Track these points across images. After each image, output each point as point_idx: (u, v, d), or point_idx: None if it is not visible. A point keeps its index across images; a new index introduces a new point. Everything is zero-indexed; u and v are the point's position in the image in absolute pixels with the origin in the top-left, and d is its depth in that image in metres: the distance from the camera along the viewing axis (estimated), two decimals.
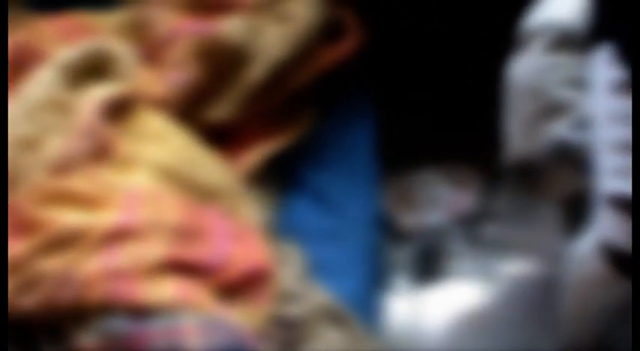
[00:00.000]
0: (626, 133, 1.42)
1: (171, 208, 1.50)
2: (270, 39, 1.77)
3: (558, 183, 1.56)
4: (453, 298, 1.75)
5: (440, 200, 1.91)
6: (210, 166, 1.65)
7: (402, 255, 1.84)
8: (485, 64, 1.71)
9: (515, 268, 1.70)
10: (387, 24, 1.95)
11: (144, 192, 1.52)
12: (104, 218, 1.47)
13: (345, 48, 1.86)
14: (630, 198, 1.38)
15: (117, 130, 1.63)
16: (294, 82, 1.80)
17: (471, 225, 1.86)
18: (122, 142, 1.62)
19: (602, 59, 1.48)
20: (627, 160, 1.41)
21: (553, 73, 1.55)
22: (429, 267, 1.83)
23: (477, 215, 1.83)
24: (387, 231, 1.82)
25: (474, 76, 1.85)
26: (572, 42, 1.55)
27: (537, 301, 1.62)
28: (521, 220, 1.66)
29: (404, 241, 1.86)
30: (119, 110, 1.66)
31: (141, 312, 1.39)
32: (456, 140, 1.94)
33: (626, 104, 1.43)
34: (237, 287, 1.48)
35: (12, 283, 1.37)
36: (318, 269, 1.60)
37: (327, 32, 1.85)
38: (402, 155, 1.93)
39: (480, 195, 1.83)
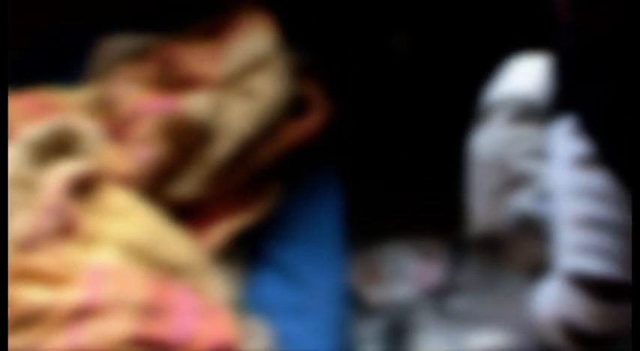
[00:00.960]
0: (586, 208, 1.43)
1: (136, 285, 1.50)
2: (235, 115, 1.78)
3: (523, 254, 1.56)
4: None
5: (407, 273, 1.91)
6: (175, 243, 1.65)
7: (370, 329, 1.83)
8: (449, 137, 1.72)
9: (485, 340, 1.69)
10: (352, 99, 1.97)
11: (109, 269, 1.52)
12: (69, 296, 1.46)
13: (310, 123, 1.87)
14: (589, 275, 1.40)
15: (82, 207, 1.63)
16: (259, 158, 1.80)
17: (438, 298, 1.86)
18: (87, 219, 1.62)
19: (563, 132, 1.50)
20: (587, 236, 1.42)
21: (515, 146, 1.56)
22: (397, 341, 1.83)
23: (445, 288, 1.83)
24: (355, 305, 1.82)
25: (438, 149, 1.86)
26: (534, 114, 1.57)
27: None
28: (489, 292, 1.66)
29: (372, 314, 1.85)
30: (84, 187, 1.66)
31: None
32: (422, 213, 1.94)
33: (586, 179, 1.45)
34: None
35: None
36: (285, 344, 1.60)
37: (292, 107, 1.87)
38: (368, 228, 1.94)
39: (448, 267, 1.83)
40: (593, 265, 1.40)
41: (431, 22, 2.00)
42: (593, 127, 1.44)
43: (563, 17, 1.42)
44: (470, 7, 1.97)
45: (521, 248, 1.56)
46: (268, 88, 1.83)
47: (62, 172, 1.64)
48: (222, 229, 1.74)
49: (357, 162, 1.97)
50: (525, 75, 1.61)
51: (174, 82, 1.85)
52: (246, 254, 1.76)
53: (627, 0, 1.36)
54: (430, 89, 1.99)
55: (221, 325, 1.51)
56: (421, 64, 2.01)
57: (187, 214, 1.75)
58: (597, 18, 1.39)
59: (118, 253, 1.56)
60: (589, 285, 1.40)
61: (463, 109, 1.68)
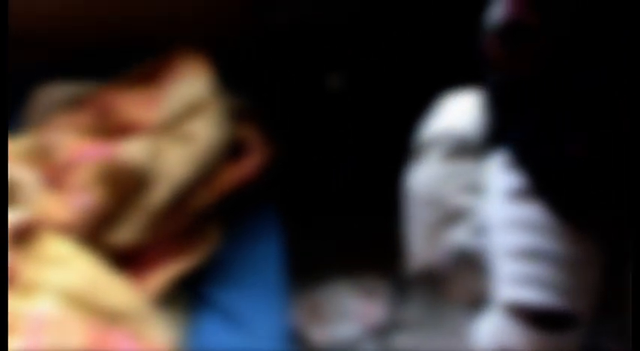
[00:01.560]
0: (522, 239, 1.45)
1: (76, 333, 1.49)
2: (172, 160, 1.78)
3: (463, 288, 1.58)
4: None
5: (350, 312, 1.91)
6: (116, 290, 1.64)
7: None
8: (387, 174, 1.74)
9: None
10: (291, 139, 1.98)
11: (48, 317, 1.51)
12: (9, 345, 1.44)
13: (249, 165, 1.88)
14: (528, 305, 1.41)
15: (21, 256, 1.62)
16: (198, 202, 1.80)
17: (382, 335, 1.86)
18: (27, 268, 1.61)
19: (497, 166, 1.52)
20: (524, 267, 1.44)
21: (450, 181, 1.58)
22: None
23: (388, 325, 1.84)
24: (299, 345, 1.82)
25: (377, 186, 1.87)
26: (468, 150, 1.59)
27: None
28: (433, 328, 1.67)
29: None
30: (23, 236, 1.64)
31: None
32: (363, 251, 1.95)
33: (521, 211, 1.47)
34: None
35: None
36: None
37: (231, 150, 1.88)
38: (310, 268, 1.94)
39: (390, 305, 1.83)
40: (532, 296, 1.42)
41: (365, 61, 2.03)
42: (524, 160, 1.46)
43: (492, 55, 1.45)
44: (403, 45, 2.00)
45: (460, 282, 1.57)
46: (205, 132, 1.84)
47: None
48: (163, 274, 1.74)
49: (298, 202, 1.98)
50: (458, 111, 1.63)
51: (112, 128, 1.85)
52: (188, 298, 1.76)
53: (552, 39, 1.40)
54: (367, 127, 2.01)
55: None
56: (357, 103, 2.03)
57: (127, 261, 1.74)
58: (524, 56, 1.42)
59: (57, 301, 1.55)
60: (528, 315, 1.42)
61: (399, 146, 1.70)
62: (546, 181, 1.45)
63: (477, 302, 1.53)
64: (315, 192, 2.01)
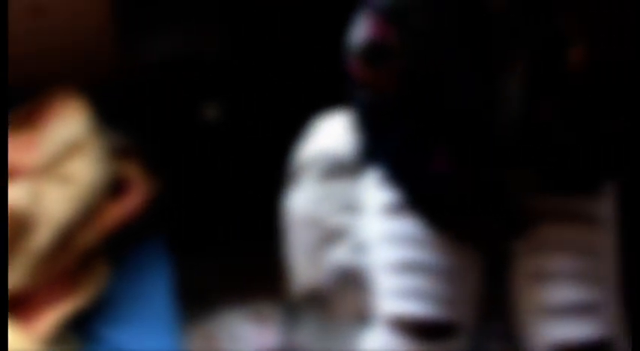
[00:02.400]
0: (399, 254, 1.49)
1: None
2: (53, 202, 1.78)
3: (349, 306, 1.60)
4: None
5: (244, 338, 1.92)
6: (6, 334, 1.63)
7: None
8: (270, 199, 1.77)
9: None
10: (174, 172, 1.99)
11: None
12: None
13: (132, 202, 1.88)
14: (409, 317, 1.45)
15: None
16: (83, 242, 1.80)
17: None
18: None
19: (372, 183, 1.56)
20: (403, 280, 1.47)
21: (328, 201, 1.61)
22: None
23: (282, 349, 1.85)
24: None
25: (262, 212, 1.90)
26: (343, 170, 1.63)
27: None
28: (324, 348, 1.69)
29: None
30: None
31: None
32: (253, 277, 1.97)
33: (396, 225, 1.51)
34: None
35: None
36: None
37: (113, 188, 1.88)
38: (202, 298, 1.95)
39: (282, 328, 1.85)
40: (412, 308, 1.46)
41: (239, 90, 2.05)
42: (395, 176, 1.50)
43: (356, 75, 1.49)
44: (274, 72, 2.03)
45: (345, 301, 1.60)
46: (85, 171, 1.84)
47: None
48: (52, 316, 1.73)
49: (186, 234, 1.99)
50: (331, 133, 1.66)
51: None
52: (78, 338, 1.75)
53: (413, 57, 1.45)
54: (245, 154, 2.03)
55: None
56: (235, 131, 2.05)
57: (16, 305, 1.72)
58: (387, 75, 1.46)
59: None
60: (410, 327, 1.45)
61: (277, 170, 1.72)
62: (417, 196, 1.49)
63: (364, 319, 1.56)
64: (201, 222, 2.02)
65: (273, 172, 1.75)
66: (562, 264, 1.49)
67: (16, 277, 1.74)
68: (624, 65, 1.42)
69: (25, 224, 1.76)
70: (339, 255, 1.58)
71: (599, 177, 1.55)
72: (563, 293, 1.47)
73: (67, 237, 1.77)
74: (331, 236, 1.59)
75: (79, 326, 1.76)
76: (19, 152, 1.88)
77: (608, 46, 1.38)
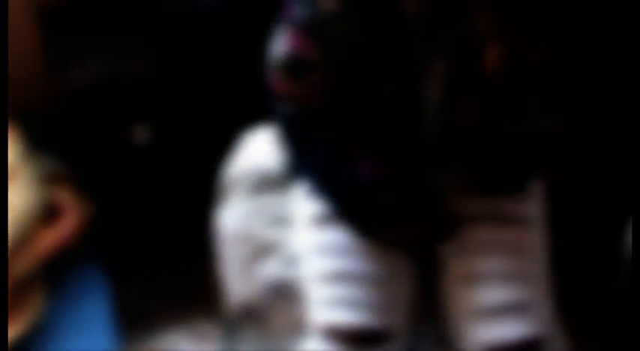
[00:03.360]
0: (330, 264, 1.50)
1: None
2: None
3: (284, 319, 1.61)
4: None
5: None
6: None
7: None
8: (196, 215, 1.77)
9: None
10: (105, 196, 1.99)
11: None
12: None
13: (66, 227, 1.88)
14: (342, 326, 1.46)
15: None
16: (18, 269, 1.79)
17: None
18: None
19: (300, 196, 1.57)
20: (335, 290, 1.48)
21: (258, 216, 1.62)
22: None
23: None
24: None
25: (190, 231, 1.90)
26: (272, 184, 1.64)
27: None
28: None
29: None
30: None
31: None
32: (191, 295, 1.98)
33: (326, 236, 1.53)
34: None
35: None
36: None
37: (46, 214, 1.87)
38: (141, 319, 1.95)
39: (221, 346, 1.85)
40: (344, 317, 1.47)
41: (168, 111, 2.06)
42: (322, 188, 1.51)
43: (278, 89, 1.50)
44: (200, 91, 2.04)
45: (280, 314, 1.61)
46: (18, 199, 1.83)
47: None
48: None
49: (122, 256, 1.99)
50: (258, 148, 1.67)
51: None
52: None
53: (334, 70, 1.46)
54: (176, 173, 2.04)
55: None
56: (165, 151, 2.06)
57: None
58: (309, 88, 1.48)
59: None
60: (343, 336, 1.46)
61: (208, 188, 1.73)
62: (345, 205, 1.51)
63: (300, 331, 1.57)
64: (135, 244, 2.03)
65: (204, 190, 1.75)
66: (492, 265, 1.51)
67: None
68: (542, 65, 1.45)
69: None
70: (271, 269, 1.59)
71: (524, 177, 1.58)
72: (494, 294, 1.49)
73: None
74: (263, 250, 1.60)
75: None
76: None
77: (525, 46, 1.40)
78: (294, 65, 1.47)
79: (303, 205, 1.57)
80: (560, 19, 1.44)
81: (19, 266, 1.80)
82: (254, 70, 1.56)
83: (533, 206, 1.61)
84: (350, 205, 1.50)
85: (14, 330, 1.76)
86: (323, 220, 1.54)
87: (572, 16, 1.61)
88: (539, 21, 1.37)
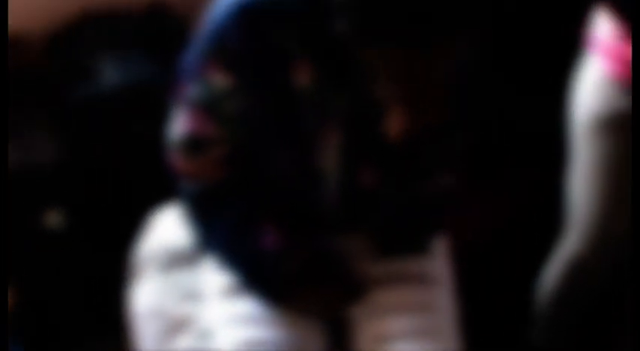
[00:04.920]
0: (243, 334, 1.53)
1: None
2: None
3: None
4: None
5: None
6: None
7: None
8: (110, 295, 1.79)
9: None
10: (23, 282, 1.99)
11: None
12: None
13: None
14: None
15: None
16: None
17: None
18: None
19: (211, 269, 1.60)
20: None
21: (171, 292, 1.63)
22: None
23: None
24: None
25: (104, 311, 1.91)
26: (183, 259, 1.66)
27: None
28: None
29: None
30: None
31: None
32: None
33: (237, 307, 1.55)
34: None
35: None
36: None
37: None
38: None
39: None
40: None
41: (79, 195, 2.08)
42: (229, 259, 1.54)
43: (178, 168, 1.53)
44: (109, 173, 2.07)
45: None
46: None
47: None
48: None
49: (39, 339, 1.99)
50: (167, 225, 1.70)
51: None
52: None
53: (233, 146, 1.50)
54: (90, 256, 2.05)
55: None
56: (78, 235, 2.07)
57: None
58: (209, 165, 1.51)
59: None
60: None
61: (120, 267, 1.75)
62: (251, 276, 1.54)
63: None
64: (52, 326, 2.03)
65: (117, 270, 1.77)
66: (401, 324, 1.54)
67: None
68: (440, 128, 1.48)
69: None
70: (186, 343, 1.60)
71: (427, 236, 1.62)
72: None
73: None
74: (176, 326, 1.61)
75: None
76: None
77: (423, 112, 1.42)
78: (192, 144, 1.50)
79: (213, 278, 1.60)
80: (456, 80, 1.48)
81: None
82: (158, 151, 1.59)
83: (438, 264, 1.66)
84: (257, 275, 1.53)
85: None
86: (234, 291, 1.57)
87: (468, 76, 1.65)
88: (436, 85, 1.40)
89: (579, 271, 1.91)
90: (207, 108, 1.47)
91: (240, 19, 1.41)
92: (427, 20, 1.23)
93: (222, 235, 1.54)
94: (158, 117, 1.60)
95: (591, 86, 1.69)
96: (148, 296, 1.63)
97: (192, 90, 1.47)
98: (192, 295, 1.62)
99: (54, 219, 2.05)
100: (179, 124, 1.50)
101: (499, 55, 2.05)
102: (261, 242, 1.52)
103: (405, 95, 1.36)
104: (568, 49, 1.86)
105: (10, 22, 1.56)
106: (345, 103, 1.45)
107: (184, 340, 1.60)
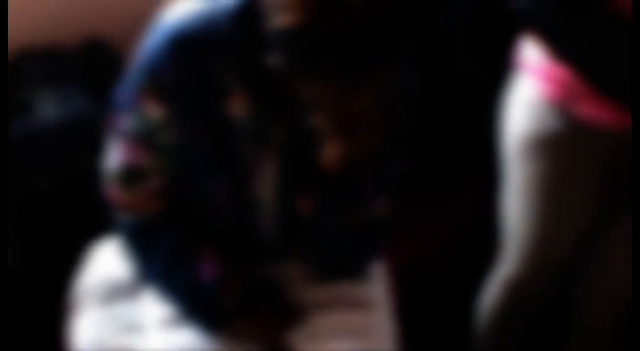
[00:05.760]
0: None
1: None
2: None
3: None
4: None
5: None
6: None
7: None
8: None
9: None
10: None
11: None
12: None
13: None
14: None
15: None
16: None
17: None
18: None
19: (150, 300, 1.60)
20: None
21: (111, 324, 1.63)
22: None
23: None
24: None
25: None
26: (122, 291, 1.66)
27: None
28: None
29: None
30: None
31: None
32: None
33: (177, 338, 1.56)
34: None
35: None
36: None
37: None
38: None
39: None
40: None
41: (16, 230, 2.07)
42: (166, 291, 1.55)
43: (114, 200, 1.53)
44: (45, 207, 2.07)
45: None
46: None
47: None
48: None
49: None
50: (107, 257, 1.70)
51: None
52: None
53: (168, 176, 1.51)
54: (29, 291, 2.05)
55: None
56: (16, 271, 2.06)
57: None
58: (146, 195, 1.52)
59: None
60: None
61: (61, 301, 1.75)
62: (190, 306, 1.54)
63: None
64: None
65: (57, 304, 1.77)
66: (340, 348, 1.56)
67: None
68: (375, 155, 1.50)
69: None
70: None
71: (364, 261, 1.64)
72: None
73: None
74: None
75: None
76: None
77: (358, 141, 1.44)
78: (127, 175, 1.51)
79: (153, 309, 1.60)
80: (388, 108, 1.50)
81: None
82: (95, 184, 1.60)
83: (376, 288, 1.68)
84: (195, 305, 1.54)
85: None
86: (174, 322, 1.57)
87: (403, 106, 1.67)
88: (368, 114, 1.41)
89: (517, 293, 1.94)
90: (143, 139, 1.48)
91: (174, 50, 1.42)
92: (355, 55, 1.26)
93: (160, 266, 1.54)
94: (96, 151, 1.60)
95: (522, 107, 1.72)
96: (88, 330, 1.63)
97: (127, 121, 1.48)
98: (133, 327, 1.62)
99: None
100: (114, 156, 1.51)
101: (430, 80, 2.09)
102: (198, 272, 1.52)
103: (339, 125, 1.38)
104: (498, 70, 1.89)
105: None
106: (280, 133, 1.47)
107: None
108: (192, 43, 1.42)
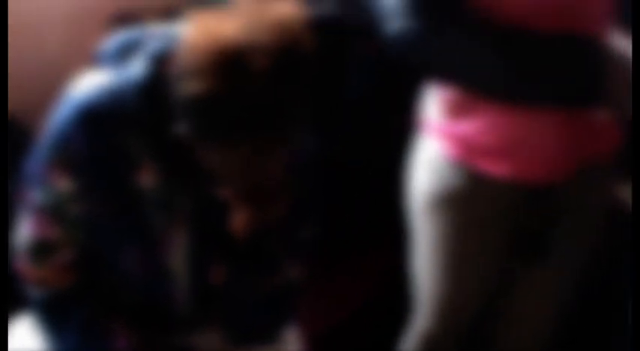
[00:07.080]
0: None
1: None
2: None
3: None
4: None
5: None
6: None
7: None
8: None
9: None
10: None
11: None
12: None
13: None
14: None
15: None
16: None
17: None
18: None
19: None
20: None
21: None
22: None
23: None
24: None
25: None
26: None
27: None
28: None
29: None
30: None
31: None
32: None
33: None
34: None
35: None
36: None
37: None
38: None
39: None
40: None
41: None
42: None
43: (25, 274, 1.53)
44: None
45: None
46: None
47: None
48: None
49: None
50: (21, 334, 1.67)
51: None
52: None
53: (79, 250, 1.51)
54: None
55: None
56: None
57: None
58: (56, 269, 1.51)
59: None
60: None
61: None
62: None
63: None
64: None
65: None
66: None
67: None
68: (284, 221, 1.52)
69: None
70: None
71: (276, 326, 1.65)
72: None
73: None
74: None
75: None
76: None
77: (265, 207, 1.46)
78: (38, 249, 1.50)
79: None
80: (294, 173, 1.52)
81: None
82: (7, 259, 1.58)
83: (290, 347, 1.69)
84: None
85: None
86: None
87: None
88: (274, 180, 1.43)
89: (431, 346, 1.96)
90: (52, 212, 1.48)
91: (82, 123, 1.44)
92: (262, 122, 1.29)
93: (73, 341, 1.53)
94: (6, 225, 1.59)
95: (425, 165, 1.76)
96: None
97: (36, 195, 1.48)
98: None
99: None
100: (25, 230, 1.51)
101: (334, 143, 2.12)
102: (112, 345, 1.52)
103: (245, 192, 1.40)
104: (401, 131, 1.92)
105: None
106: (189, 203, 1.49)
107: None
108: (100, 116, 1.43)
